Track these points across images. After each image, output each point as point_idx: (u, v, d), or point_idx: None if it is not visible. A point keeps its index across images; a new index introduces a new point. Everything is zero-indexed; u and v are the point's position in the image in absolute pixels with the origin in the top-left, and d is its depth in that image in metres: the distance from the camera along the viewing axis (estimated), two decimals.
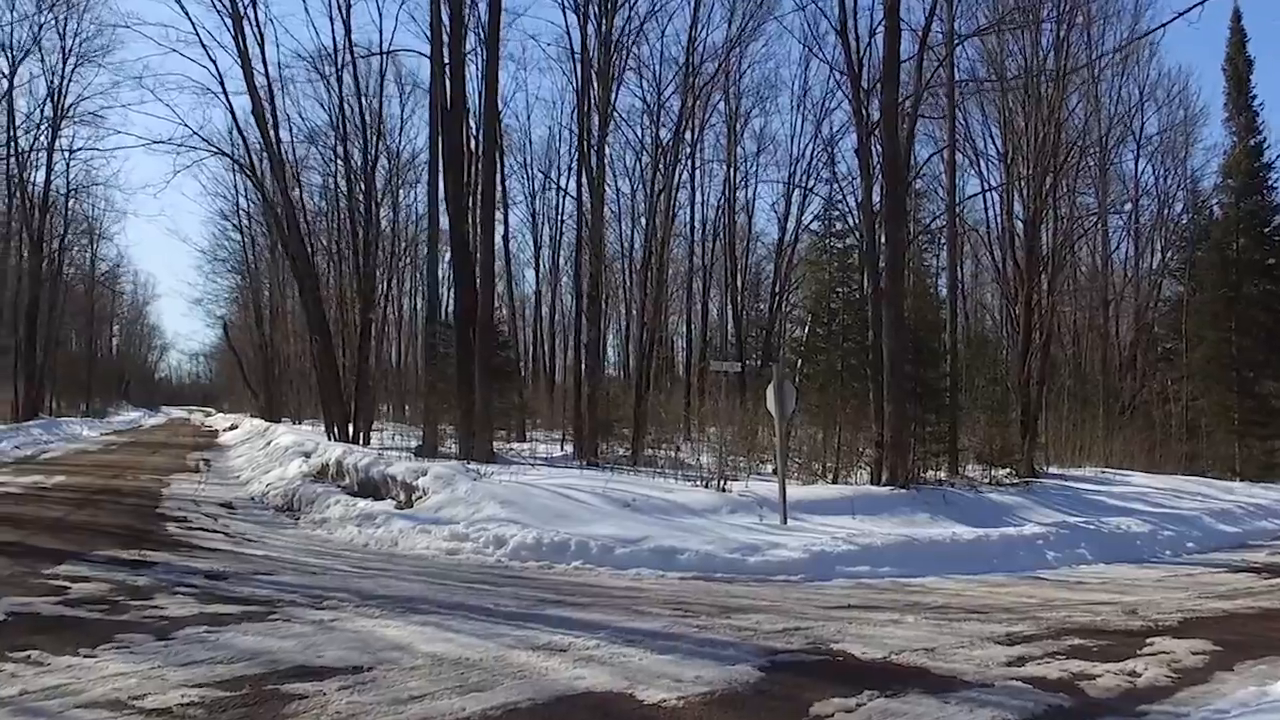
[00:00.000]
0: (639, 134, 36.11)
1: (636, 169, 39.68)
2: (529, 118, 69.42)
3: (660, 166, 28.15)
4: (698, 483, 17.02)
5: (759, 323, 43.32)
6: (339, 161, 30.70)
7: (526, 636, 7.89)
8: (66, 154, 43.45)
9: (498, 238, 37.21)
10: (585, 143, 24.36)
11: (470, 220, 23.70)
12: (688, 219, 43.67)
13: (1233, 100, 35.59)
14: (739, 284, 42.56)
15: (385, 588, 10.05)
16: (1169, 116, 39.30)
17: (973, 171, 31.55)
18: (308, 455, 21.70)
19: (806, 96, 46.50)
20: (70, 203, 48.39)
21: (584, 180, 24.96)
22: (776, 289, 37.36)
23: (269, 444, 29.10)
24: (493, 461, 20.59)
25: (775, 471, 16.72)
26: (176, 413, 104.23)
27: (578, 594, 10.28)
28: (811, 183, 35.57)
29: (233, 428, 50.96)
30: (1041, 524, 16.32)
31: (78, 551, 11.35)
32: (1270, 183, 35.16)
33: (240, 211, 50.36)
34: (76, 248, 56.18)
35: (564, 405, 32.46)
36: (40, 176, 43.53)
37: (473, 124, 31.04)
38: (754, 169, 43.60)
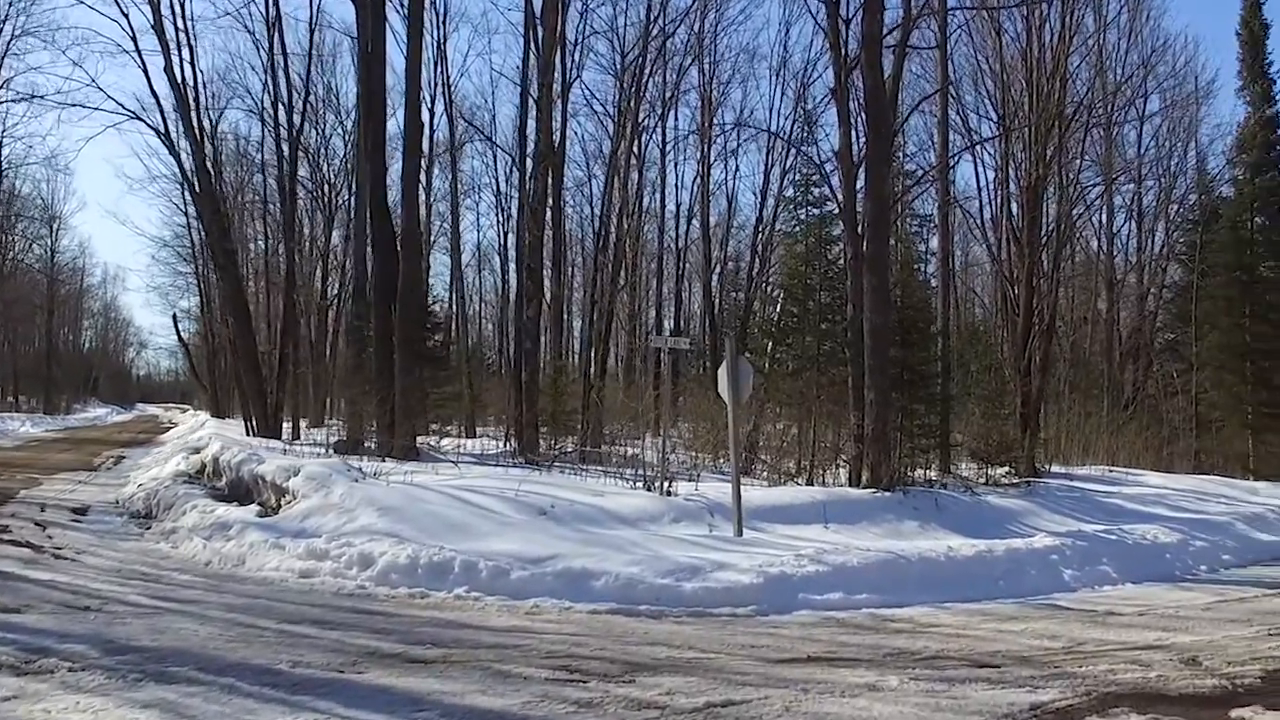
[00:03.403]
0: (609, 109, 33.15)
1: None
2: (494, 96, 65.09)
3: (622, 127, 25.24)
4: (638, 484, 14.11)
5: (737, 311, 40.31)
6: (270, 128, 27.80)
7: None
8: None
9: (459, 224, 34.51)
10: (528, 95, 21.34)
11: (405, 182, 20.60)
12: (660, 201, 40.77)
13: (1247, 67, 32.64)
14: (715, 267, 39.59)
15: (159, 635, 7.20)
16: (1175, 90, 36.14)
17: (967, 147, 28.46)
18: (196, 451, 18.79)
19: (785, 66, 43.10)
20: (4, 184, 45.27)
21: (528, 137, 22.04)
22: (754, 270, 34.29)
23: (184, 439, 26.19)
24: (414, 458, 17.72)
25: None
26: (151, 409, 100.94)
27: (432, 641, 7.41)
28: (790, 159, 32.42)
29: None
30: (1054, 534, 13.46)
31: None
32: None
33: (184, 190, 47.01)
34: (25, 236, 53.48)
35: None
36: None
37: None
38: (733, 146, 40.39)
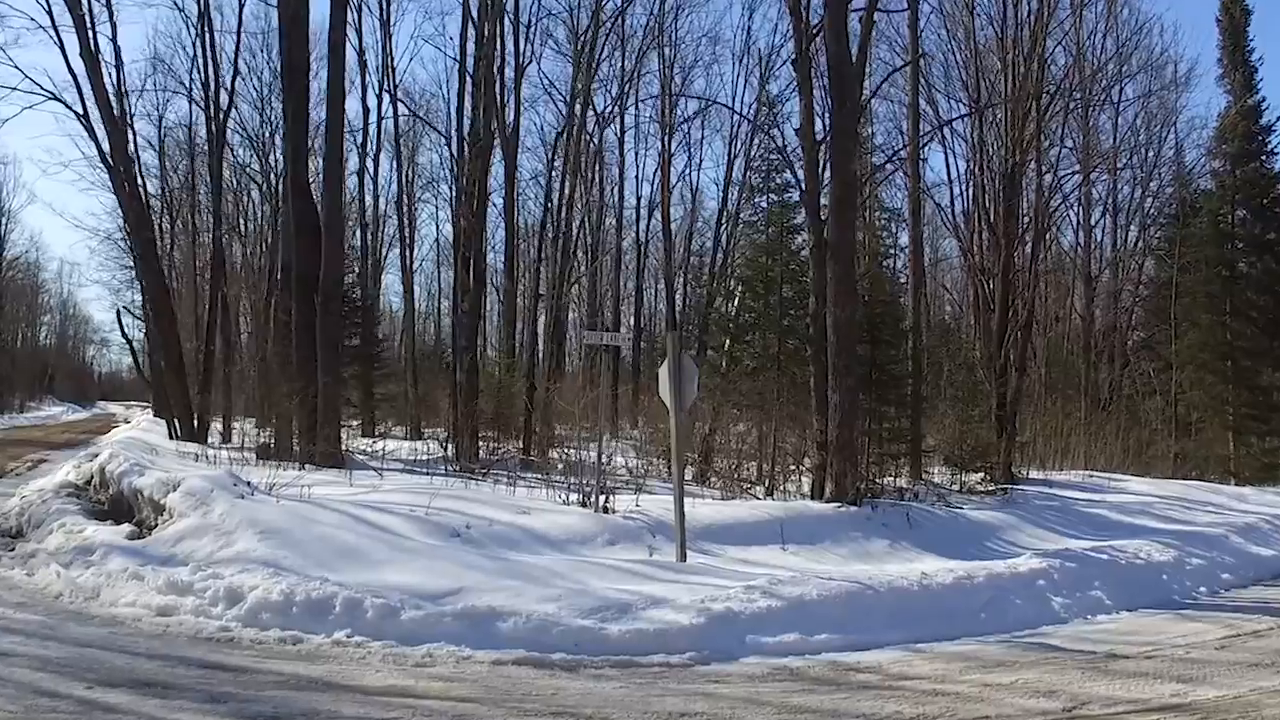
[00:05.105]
0: (566, 96, 31.65)
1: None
2: (448, 86, 62.47)
3: (574, 106, 23.65)
4: (572, 498, 12.53)
5: (699, 308, 38.85)
6: (199, 104, 26.14)
7: None
8: None
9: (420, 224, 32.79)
10: (465, 71, 19.64)
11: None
12: (619, 194, 39.40)
13: (1228, 55, 31.38)
14: (679, 264, 38.17)
15: None
16: (1153, 77, 34.68)
17: (939, 125, 27.00)
18: (94, 457, 17.07)
19: (749, 52, 41.53)
20: None
21: (465, 117, 20.37)
22: (715, 264, 32.76)
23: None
24: (337, 465, 16.18)
25: (692, 481, 12.46)
26: (112, 408, 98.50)
27: (274, 715, 5.83)
28: (754, 149, 30.89)
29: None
30: (1039, 553, 12.00)
31: None
32: (1270, 147, 30.97)
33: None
34: None
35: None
36: None
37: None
38: (697, 137, 38.86)
